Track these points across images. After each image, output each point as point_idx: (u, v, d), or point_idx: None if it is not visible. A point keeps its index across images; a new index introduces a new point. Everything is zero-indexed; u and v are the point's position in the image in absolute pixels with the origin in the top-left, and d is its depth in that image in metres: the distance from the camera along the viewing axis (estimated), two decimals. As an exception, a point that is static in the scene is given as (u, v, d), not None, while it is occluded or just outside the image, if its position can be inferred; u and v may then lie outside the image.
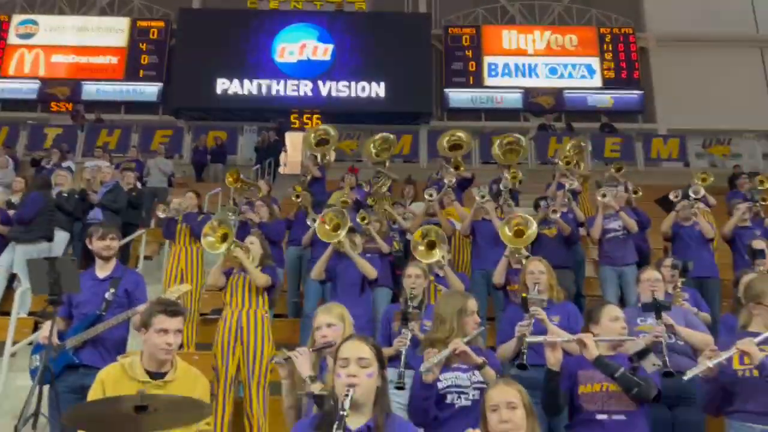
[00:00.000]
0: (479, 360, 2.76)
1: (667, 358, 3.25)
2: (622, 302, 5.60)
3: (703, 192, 6.44)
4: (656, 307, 3.43)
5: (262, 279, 4.52)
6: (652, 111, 16.42)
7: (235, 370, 4.36)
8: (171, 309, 2.69)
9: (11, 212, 6.68)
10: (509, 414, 2.23)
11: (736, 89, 15.73)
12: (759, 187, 7.16)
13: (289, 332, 5.90)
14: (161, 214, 6.53)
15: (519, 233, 4.92)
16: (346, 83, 16.15)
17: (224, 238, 4.68)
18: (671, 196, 6.48)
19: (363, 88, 16.12)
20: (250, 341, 4.40)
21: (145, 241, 8.03)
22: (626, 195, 6.74)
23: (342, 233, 4.90)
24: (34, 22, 16.62)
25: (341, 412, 1.91)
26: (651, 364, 2.72)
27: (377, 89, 16.10)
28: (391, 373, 3.71)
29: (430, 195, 6.26)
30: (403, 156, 14.36)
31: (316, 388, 2.44)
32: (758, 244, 5.07)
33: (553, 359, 2.76)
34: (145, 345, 2.71)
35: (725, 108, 15.28)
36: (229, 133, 14.89)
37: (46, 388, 3.49)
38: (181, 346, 5.77)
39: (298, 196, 7.12)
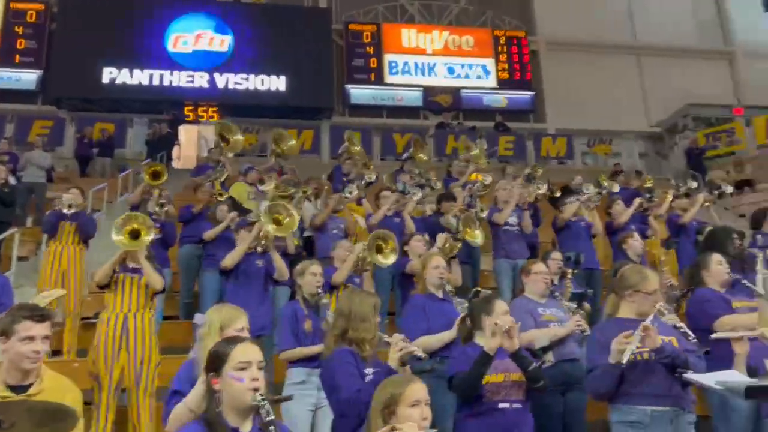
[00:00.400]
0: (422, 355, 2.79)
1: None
2: (515, 294, 5.83)
3: (593, 190, 6.83)
4: (580, 298, 3.59)
5: (160, 282, 4.26)
6: (543, 111, 17.28)
7: (118, 376, 4.08)
8: (37, 314, 2.43)
9: None
10: (427, 410, 2.20)
11: (616, 93, 16.90)
12: (644, 185, 7.69)
13: (181, 335, 5.61)
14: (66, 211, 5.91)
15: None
16: (245, 76, 15.70)
17: (134, 234, 4.32)
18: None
19: (262, 81, 15.75)
20: (137, 346, 4.13)
21: (20, 241, 7.36)
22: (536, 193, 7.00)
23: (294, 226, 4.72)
24: None
25: (268, 418, 1.85)
26: (548, 360, 2.84)
27: (277, 83, 15.78)
28: (297, 372, 3.62)
29: (350, 192, 6.20)
30: (304, 151, 14.17)
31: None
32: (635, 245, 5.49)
33: (494, 344, 2.83)
34: (6, 355, 2.43)
35: (607, 110, 16.38)
36: (117, 124, 13.98)
37: None
38: (59, 353, 5.38)
39: (221, 194, 6.75)
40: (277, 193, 6.85)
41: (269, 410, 1.88)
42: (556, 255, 4.84)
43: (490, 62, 17.21)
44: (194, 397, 2.46)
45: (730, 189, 7.85)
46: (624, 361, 2.69)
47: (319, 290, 3.84)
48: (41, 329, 2.41)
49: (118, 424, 4.14)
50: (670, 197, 7.11)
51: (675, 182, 7.54)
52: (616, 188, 6.70)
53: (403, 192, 6.66)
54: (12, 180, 8.24)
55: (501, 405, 2.85)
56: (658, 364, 2.79)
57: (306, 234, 6.29)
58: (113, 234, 4.28)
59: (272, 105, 15.42)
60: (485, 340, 2.92)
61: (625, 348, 2.69)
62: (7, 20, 15.15)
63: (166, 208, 6.23)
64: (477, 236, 5.62)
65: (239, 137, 7.42)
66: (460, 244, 5.30)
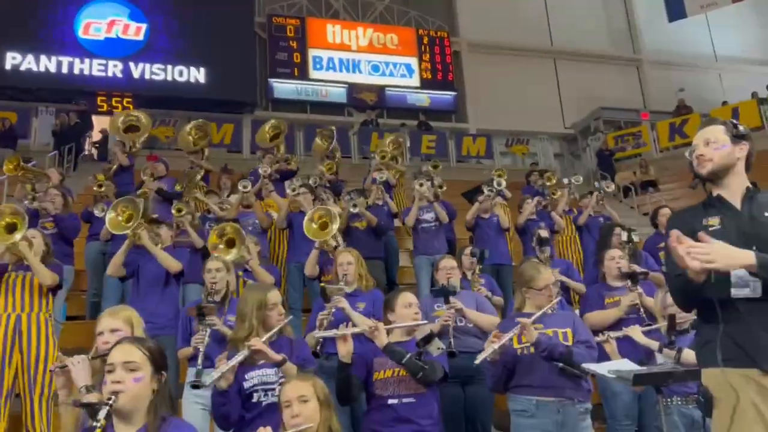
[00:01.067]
0: (278, 357, 2.70)
1: (452, 340, 3.52)
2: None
3: (504, 184, 7.07)
4: (444, 293, 3.69)
5: (50, 277, 4.04)
6: (464, 111, 17.66)
7: (11, 381, 3.85)
8: None
9: None
10: (300, 407, 2.23)
11: (533, 95, 17.52)
12: (547, 183, 8.02)
13: (87, 335, 5.34)
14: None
15: (323, 226, 4.97)
16: (162, 66, 15.12)
17: (11, 228, 4.08)
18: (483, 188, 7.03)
19: (181, 73, 15.24)
20: (31, 348, 3.92)
21: None
22: (434, 189, 7.17)
23: (133, 224, 4.51)
24: None
25: (94, 423, 1.77)
26: (436, 348, 2.89)
27: (197, 75, 15.32)
28: (191, 372, 3.56)
29: (245, 186, 6.08)
30: (225, 146, 13.84)
31: (92, 398, 2.21)
32: (543, 233, 5.68)
33: (344, 351, 2.81)
34: None
35: (525, 111, 16.96)
36: (20, 114, 13.11)
37: None
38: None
39: (101, 186, 6.54)
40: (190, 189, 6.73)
41: (102, 415, 1.81)
42: (467, 250, 4.98)
43: (413, 61, 17.41)
44: (60, 405, 2.44)
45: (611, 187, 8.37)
46: (489, 358, 2.88)
47: (217, 288, 3.76)
48: None
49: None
50: (564, 195, 7.48)
51: (568, 180, 7.93)
52: (503, 184, 7.03)
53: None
54: None
55: (390, 401, 2.87)
56: (540, 357, 2.94)
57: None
58: None
59: (191, 97, 14.95)
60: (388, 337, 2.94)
61: (497, 344, 2.85)
62: None
63: (37, 202, 5.92)
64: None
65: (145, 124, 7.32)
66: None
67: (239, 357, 2.61)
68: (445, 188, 7.60)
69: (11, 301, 3.97)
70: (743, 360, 1.94)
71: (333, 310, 3.47)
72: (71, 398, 2.39)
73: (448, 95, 17.47)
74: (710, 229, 2.08)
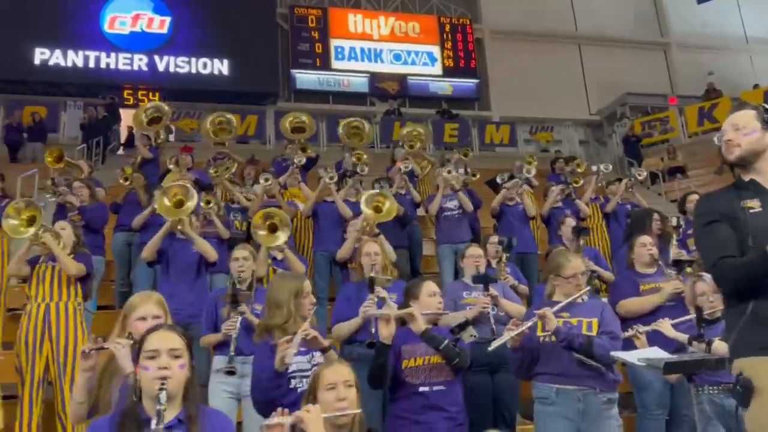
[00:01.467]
0: (326, 343, 2.74)
1: (494, 326, 3.51)
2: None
3: (533, 172, 6.98)
4: (485, 280, 3.68)
5: (75, 267, 4.12)
6: (487, 99, 17.50)
7: (43, 369, 3.94)
8: None
9: None
10: (346, 392, 2.24)
11: (558, 81, 17.27)
12: (577, 170, 7.87)
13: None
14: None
15: (378, 209, 5.00)
16: (186, 59, 15.27)
17: (31, 221, 4.19)
18: (498, 179, 6.97)
19: (205, 65, 15.36)
20: (60, 337, 4.00)
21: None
22: (464, 177, 7.13)
23: (189, 208, 4.54)
24: None
25: (158, 407, 1.80)
26: (469, 335, 2.89)
27: (220, 66, 15.43)
28: (219, 360, 3.60)
29: (266, 179, 6.10)
30: (248, 137, 13.94)
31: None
32: (571, 221, 5.61)
33: (387, 332, 2.79)
34: None
35: (549, 98, 16.74)
36: (49, 108, 13.35)
37: None
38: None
39: (127, 179, 6.63)
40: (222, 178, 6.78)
41: (163, 399, 1.84)
42: (494, 239, 4.94)
43: (435, 49, 17.28)
44: (78, 388, 2.44)
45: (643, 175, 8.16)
46: (509, 344, 2.90)
47: (244, 276, 3.79)
48: None
49: (45, 418, 4.01)
50: (592, 182, 7.34)
51: (597, 167, 7.73)
52: (533, 172, 6.89)
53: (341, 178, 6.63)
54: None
55: (421, 389, 2.87)
56: (560, 346, 2.93)
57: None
58: (4, 220, 4.14)
59: (215, 89, 15.07)
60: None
61: (514, 332, 2.87)
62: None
63: (61, 195, 6.00)
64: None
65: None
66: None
67: (298, 339, 2.61)
68: (477, 176, 7.54)
69: (41, 291, 4.07)
70: None
71: (376, 299, 3.50)
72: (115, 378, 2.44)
73: (470, 83, 17.33)
74: (750, 212, 2.03)
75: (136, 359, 2.01)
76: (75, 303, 4.12)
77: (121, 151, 12.73)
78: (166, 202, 4.63)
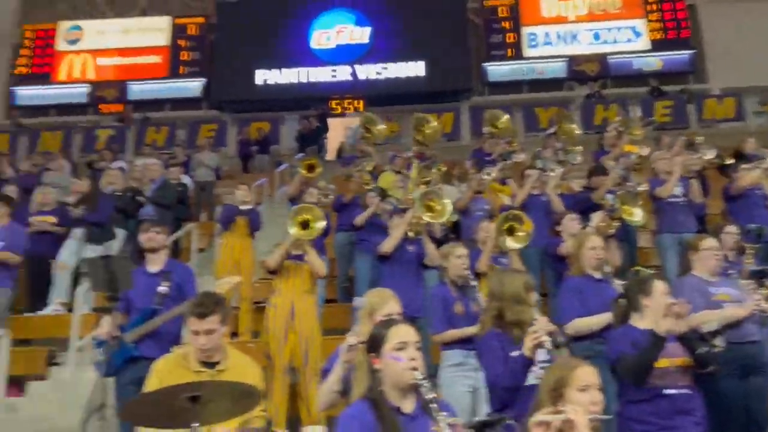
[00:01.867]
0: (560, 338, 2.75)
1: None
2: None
3: None
4: (761, 275, 3.33)
5: (323, 266, 4.63)
6: (704, 70, 15.68)
7: (288, 357, 4.44)
8: (198, 311, 2.73)
9: (76, 212, 6.82)
10: (599, 395, 2.08)
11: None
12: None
13: (340, 318, 5.97)
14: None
15: None
16: (385, 65, 16.04)
17: (305, 224, 4.69)
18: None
19: (402, 69, 15.96)
20: (303, 328, 4.47)
21: (197, 235, 8.23)
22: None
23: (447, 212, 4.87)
24: (79, 28, 17.09)
25: (428, 396, 1.92)
26: (720, 342, 2.64)
27: (417, 69, 15.92)
28: (452, 354, 3.70)
29: (488, 174, 6.16)
30: (445, 135, 14.18)
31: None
32: None
33: (666, 326, 2.68)
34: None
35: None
36: (271, 123, 15.03)
37: (111, 380, 3.64)
38: (236, 335, 5.96)
39: (368, 183, 7.00)
40: (420, 180, 6.99)
41: (429, 387, 1.95)
42: (732, 228, 4.41)
43: (640, 23, 15.93)
44: (334, 377, 2.64)
45: None
46: None
47: (467, 272, 3.86)
48: (204, 325, 2.70)
49: (291, 402, 4.51)
50: None
51: None
52: None
53: (542, 169, 6.43)
54: (186, 180, 9.19)
55: (667, 391, 2.69)
56: None
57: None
58: (289, 225, 4.65)
59: (412, 91, 15.58)
60: (643, 322, 2.77)
61: None
62: (174, 36, 16.86)
63: (330, 197, 6.57)
64: (636, 214, 5.25)
65: (382, 127, 7.62)
66: (617, 223, 5.03)
67: (544, 332, 2.64)
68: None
69: (287, 285, 4.59)
70: None
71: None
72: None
73: (683, 55, 15.67)
74: None
75: (372, 350, 2.12)
76: (313, 298, 4.59)
77: (331, 158, 13.76)
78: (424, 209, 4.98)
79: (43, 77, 16.63)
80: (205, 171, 10.58)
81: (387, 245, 4.85)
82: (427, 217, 4.91)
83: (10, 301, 5.70)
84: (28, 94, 16.55)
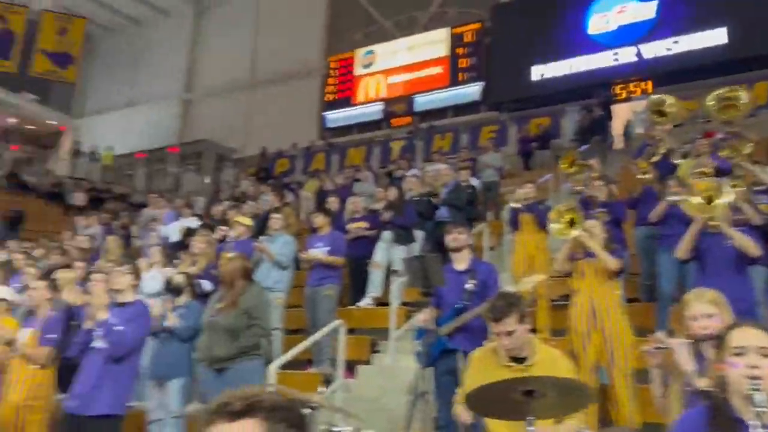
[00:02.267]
0: None
1: None
2: None
3: None
4: None
5: (613, 262, 4.39)
6: None
7: (594, 356, 4.32)
8: (493, 316, 2.87)
9: (385, 216, 7.71)
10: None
11: None
12: None
13: (643, 317, 5.61)
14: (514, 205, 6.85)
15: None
16: (675, 39, 14.48)
17: (571, 223, 4.67)
18: None
19: (698, 40, 14.23)
20: (605, 327, 4.31)
21: (488, 233, 8.53)
22: None
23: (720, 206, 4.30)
24: (372, 52, 19.20)
25: (761, 408, 1.73)
26: None
27: (716, 37, 14.02)
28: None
29: None
30: (759, 108, 12.13)
31: (701, 382, 2.29)
32: None
33: None
34: None
35: None
36: (551, 117, 14.82)
37: (429, 369, 4.01)
38: (534, 332, 5.99)
39: (645, 173, 6.60)
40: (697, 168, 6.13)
41: (761, 402, 1.73)
42: None
43: None
44: (654, 383, 2.60)
45: None
46: None
47: None
48: (499, 327, 2.83)
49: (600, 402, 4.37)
50: None
51: None
52: None
53: None
54: (474, 182, 9.59)
55: None
56: None
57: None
58: (553, 223, 4.65)
59: (709, 64, 13.77)
60: None
61: None
62: (452, 45, 17.80)
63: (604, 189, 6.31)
64: None
65: (674, 109, 6.93)
66: None
67: None
68: None
69: (584, 284, 4.47)
70: None
71: None
72: (677, 377, 2.51)
73: None
74: None
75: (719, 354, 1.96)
76: (614, 295, 4.40)
77: (619, 145, 12.97)
78: (695, 200, 4.43)
79: (346, 101, 19.18)
80: (490, 171, 10.93)
81: (679, 251, 4.37)
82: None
83: (338, 296, 6.68)
84: (335, 117, 19.32)
